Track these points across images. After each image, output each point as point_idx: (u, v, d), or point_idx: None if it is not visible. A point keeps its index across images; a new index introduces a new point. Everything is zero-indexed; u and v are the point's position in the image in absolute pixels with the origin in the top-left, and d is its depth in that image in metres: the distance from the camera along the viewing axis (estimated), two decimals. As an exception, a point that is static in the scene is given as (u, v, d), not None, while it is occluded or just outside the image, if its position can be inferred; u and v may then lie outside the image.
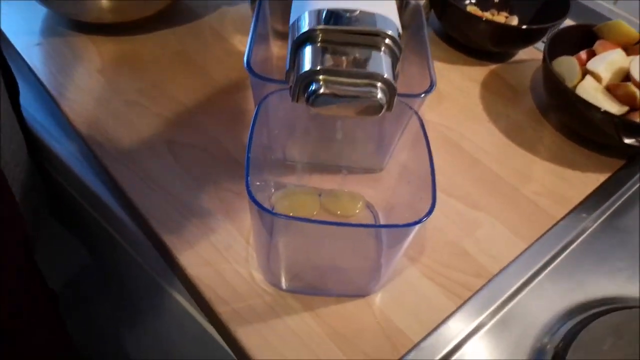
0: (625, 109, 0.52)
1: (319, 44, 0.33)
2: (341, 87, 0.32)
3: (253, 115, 0.38)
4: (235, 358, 0.41)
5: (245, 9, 0.67)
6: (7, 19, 0.61)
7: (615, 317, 0.42)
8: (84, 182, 0.55)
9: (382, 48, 0.33)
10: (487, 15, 0.67)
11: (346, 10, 0.33)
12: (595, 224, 0.49)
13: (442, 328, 0.41)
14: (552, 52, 0.56)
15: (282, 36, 0.57)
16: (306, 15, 0.33)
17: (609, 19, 0.61)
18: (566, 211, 0.50)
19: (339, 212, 0.46)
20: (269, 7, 0.50)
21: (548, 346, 0.41)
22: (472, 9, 0.67)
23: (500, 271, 0.44)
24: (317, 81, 0.32)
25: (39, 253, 0.54)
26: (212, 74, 0.58)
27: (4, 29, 0.59)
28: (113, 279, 0.70)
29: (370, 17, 0.33)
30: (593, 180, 0.53)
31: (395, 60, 0.34)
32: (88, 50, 0.59)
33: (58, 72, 0.56)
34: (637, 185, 0.53)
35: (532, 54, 0.67)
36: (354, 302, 0.41)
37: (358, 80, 0.32)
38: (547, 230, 0.48)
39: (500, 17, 0.67)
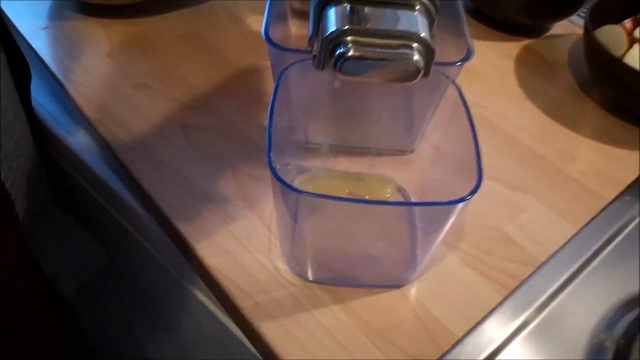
0: (679, 79, 0.47)
1: (345, 4, 0.29)
2: (373, 49, 0.28)
3: (273, 89, 0.35)
4: (260, 359, 0.37)
5: (260, -12, 0.64)
6: (12, 2, 0.58)
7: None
8: (96, 174, 0.52)
9: (417, 7, 0.29)
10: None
11: (375, -34, 0.29)
12: (653, 205, 0.45)
13: (487, 322, 0.37)
14: (593, 22, 0.52)
15: (301, 15, 0.54)
16: (330, -28, 0.29)
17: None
18: (617, 192, 0.45)
19: (367, 197, 0.43)
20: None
21: (607, 342, 0.36)
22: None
23: (549, 258, 0.40)
24: (345, 43, 0.28)
25: (48, 252, 0.52)
26: (226, 55, 0.55)
27: (8, 14, 0.56)
28: (129, 277, 0.67)
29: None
30: (644, 158, 0.48)
31: (431, 22, 0.30)
32: (96, 33, 0.56)
33: (65, 56, 0.53)
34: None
35: (568, 28, 0.63)
36: (388, 294, 0.37)
37: (391, 41, 0.28)
38: (599, 213, 0.43)
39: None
